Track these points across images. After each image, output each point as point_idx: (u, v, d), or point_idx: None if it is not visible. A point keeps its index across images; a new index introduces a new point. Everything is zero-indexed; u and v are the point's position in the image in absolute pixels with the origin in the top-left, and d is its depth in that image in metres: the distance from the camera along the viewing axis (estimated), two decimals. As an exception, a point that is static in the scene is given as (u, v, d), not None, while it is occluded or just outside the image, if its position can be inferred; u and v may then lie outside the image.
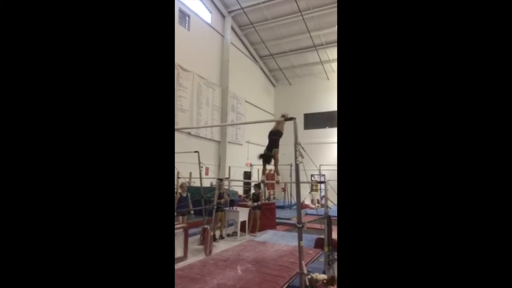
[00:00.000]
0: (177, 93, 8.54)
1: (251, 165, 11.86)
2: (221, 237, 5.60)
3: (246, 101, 12.38)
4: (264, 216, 6.62)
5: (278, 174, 4.06)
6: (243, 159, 12.00)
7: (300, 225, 2.53)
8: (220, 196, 5.72)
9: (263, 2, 10.42)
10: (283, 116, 3.53)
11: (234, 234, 5.85)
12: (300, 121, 13.65)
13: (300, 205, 2.70)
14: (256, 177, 12.29)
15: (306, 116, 13.92)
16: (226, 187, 8.88)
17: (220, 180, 6.02)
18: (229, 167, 10.57)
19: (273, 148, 4.04)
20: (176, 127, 8.07)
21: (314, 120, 13.73)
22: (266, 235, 5.82)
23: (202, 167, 5.59)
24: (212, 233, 4.90)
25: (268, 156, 4.00)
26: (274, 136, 4.14)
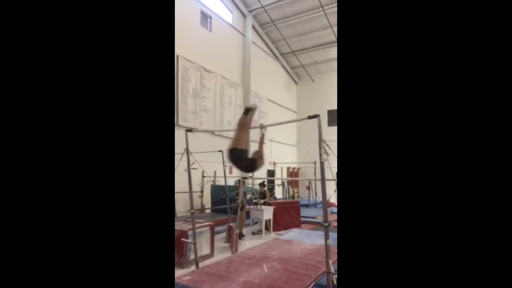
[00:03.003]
0: (201, 94, 8.71)
1: (274, 163, 11.83)
2: (241, 235, 5.64)
3: (268, 100, 12.36)
4: (289, 214, 6.60)
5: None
6: (267, 157, 11.98)
7: (327, 224, 2.49)
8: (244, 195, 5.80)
9: (284, -1, 10.34)
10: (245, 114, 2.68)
11: (259, 232, 5.89)
12: (324, 118, 13.40)
13: (326, 204, 2.65)
14: (279, 175, 12.26)
15: (330, 112, 13.64)
16: (250, 185, 8.94)
17: (245, 178, 6.08)
18: (253, 166, 10.61)
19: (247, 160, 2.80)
20: (200, 128, 8.26)
21: (338, 117, 13.42)
22: (292, 234, 5.79)
23: (226, 166, 5.66)
24: (237, 231, 4.96)
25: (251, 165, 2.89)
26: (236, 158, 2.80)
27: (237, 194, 5.78)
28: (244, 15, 11.09)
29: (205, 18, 9.27)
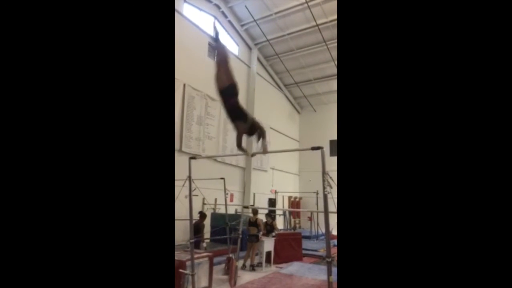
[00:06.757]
0: (205, 121, 8.87)
1: (276, 192, 11.70)
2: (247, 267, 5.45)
3: (271, 128, 12.51)
4: (290, 246, 6.40)
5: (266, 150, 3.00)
6: (268, 185, 11.90)
7: (330, 259, 2.41)
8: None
9: (288, 34, 10.83)
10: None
11: (259, 265, 5.68)
12: (326, 148, 13.44)
13: (329, 237, 2.59)
14: (280, 205, 12.06)
15: (332, 142, 13.71)
16: (250, 214, 8.76)
17: (245, 207, 5.97)
18: (254, 194, 10.48)
19: (243, 116, 2.71)
20: (203, 154, 8.30)
21: (340, 147, 13.46)
22: (292, 267, 5.58)
23: (227, 194, 5.61)
24: (243, 263, 4.79)
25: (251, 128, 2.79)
26: (230, 98, 2.67)
27: (238, 225, 5.66)
28: (249, 48, 11.58)
29: (213, 50, 9.69)
